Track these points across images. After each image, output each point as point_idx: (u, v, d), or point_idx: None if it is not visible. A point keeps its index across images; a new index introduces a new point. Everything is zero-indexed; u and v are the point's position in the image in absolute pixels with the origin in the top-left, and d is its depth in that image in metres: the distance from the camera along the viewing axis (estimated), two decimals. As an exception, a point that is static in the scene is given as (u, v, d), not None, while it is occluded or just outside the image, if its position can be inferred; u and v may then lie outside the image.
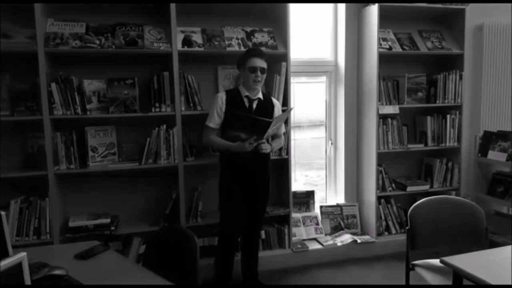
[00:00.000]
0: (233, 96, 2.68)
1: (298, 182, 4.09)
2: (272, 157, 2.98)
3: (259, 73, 2.62)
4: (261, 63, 2.64)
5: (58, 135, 2.81)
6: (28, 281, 1.08)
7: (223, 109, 2.64)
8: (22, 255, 1.07)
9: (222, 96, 2.67)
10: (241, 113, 2.57)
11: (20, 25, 2.76)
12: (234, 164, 2.66)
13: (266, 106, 2.75)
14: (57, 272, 1.58)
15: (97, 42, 2.85)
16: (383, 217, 3.65)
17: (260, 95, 2.74)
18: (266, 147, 2.60)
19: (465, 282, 1.75)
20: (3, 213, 1.35)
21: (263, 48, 3.17)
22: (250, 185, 2.71)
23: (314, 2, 3.69)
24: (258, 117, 2.54)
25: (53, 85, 2.74)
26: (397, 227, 3.68)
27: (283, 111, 2.97)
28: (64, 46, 2.79)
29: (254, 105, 2.70)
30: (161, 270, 1.74)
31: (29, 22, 2.70)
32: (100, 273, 1.72)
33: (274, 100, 2.87)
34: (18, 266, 1.05)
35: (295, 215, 3.60)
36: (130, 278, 1.68)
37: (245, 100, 2.68)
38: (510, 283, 1.55)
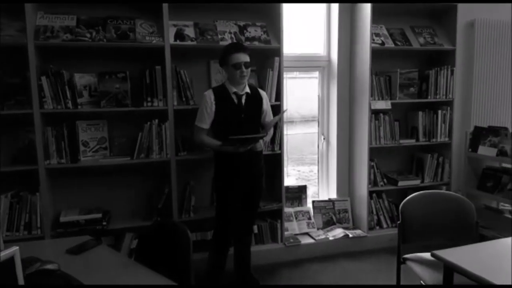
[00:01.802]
0: (221, 94, 2.65)
1: (290, 177, 4.10)
2: (265, 152, 2.98)
3: (243, 68, 2.58)
4: (244, 57, 2.59)
5: (49, 129, 2.78)
6: (20, 276, 1.07)
7: (213, 109, 2.62)
8: (14, 249, 1.06)
9: (210, 95, 2.64)
10: (235, 137, 2.50)
11: (10, 17, 2.71)
12: (229, 161, 2.65)
13: (254, 100, 2.73)
14: (49, 266, 1.57)
15: (88, 35, 2.82)
16: (374, 212, 3.68)
17: (247, 89, 2.72)
18: (259, 146, 2.61)
19: (456, 275, 1.78)
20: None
21: (255, 43, 3.16)
22: (245, 181, 2.70)
23: (307, 2, 3.69)
24: (252, 136, 2.54)
25: (44, 78, 2.71)
26: (389, 221, 3.71)
27: (276, 106, 2.96)
28: (55, 39, 2.76)
29: (243, 100, 2.67)
30: (154, 264, 1.74)
31: (19, 15, 2.66)
32: (93, 268, 1.71)
33: (261, 92, 2.84)
34: (10, 260, 1.04)
35: (288, 210, 3.61)
36: (123, 273, 1.68)
37: (233, 96, 2.66)
38: (500, 276, 1.57)
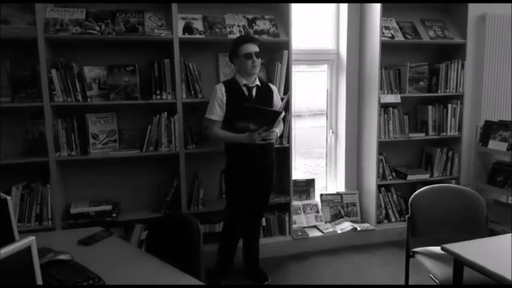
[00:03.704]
0: (232, 86, 2.67)
1: (298, 171, 4.10)
2: (274, 145, 2.97)
3: (255, 58, 2.61)
4: (254, 47, 2.62)
5: (59, 121, 2.80)
6: (37, 265, 1.09)
7: (224, 101, 2.63)
8: (31, 238, 1.07)
9: (221, 88, 2.65)
10: (250, 104, 2.55)
11: (20, 10, 2.73)
12: (241, 154, 2.66)
13: (265, 93, 2.74)
14: (62, 257, 1.59)
15: (97, 28, 2.83)
16: (383, 205, 3.67)
17: (258, 82, 2.72)
18: (273, 136, 2.60)
19: (466, 269, 1.77)
20: (8, 197, 1.35)
21: (264, 36, 3.15)
22: (257, 174, 2.71)
23: (315, 2, 3.67)
24: (267, 108, 2.53)
25: (54, 71, 2.73)
26: (397, 215, 3.71)
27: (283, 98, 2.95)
28: (64, 32, 2.77)
29: (254, 93, 2.69)
30: (164, 255, 1.75)
31: (29, 8, 2.68)
32: (105, 259, 1.73)
33: (272, 86, 2.86)
34: (27, 250, 1.06)
35: (296, 203, 3.62)
36: (137, 264, 1.68)
37: (244, 88, 2.67)
38: (510, 270, 1.56)
